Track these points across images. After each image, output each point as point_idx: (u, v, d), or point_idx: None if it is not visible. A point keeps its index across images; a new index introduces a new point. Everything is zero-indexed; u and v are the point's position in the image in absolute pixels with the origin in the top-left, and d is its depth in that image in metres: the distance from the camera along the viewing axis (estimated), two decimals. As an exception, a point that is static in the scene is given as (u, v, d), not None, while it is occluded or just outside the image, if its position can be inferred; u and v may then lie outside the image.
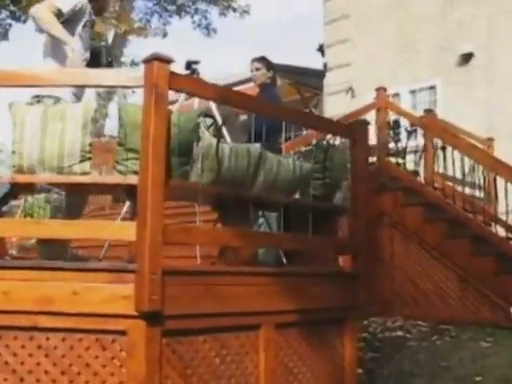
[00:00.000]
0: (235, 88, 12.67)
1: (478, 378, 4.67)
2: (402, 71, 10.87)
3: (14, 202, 7.56)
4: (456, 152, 7.16)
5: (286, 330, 3.70)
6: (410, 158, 8.94)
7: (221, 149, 3.36)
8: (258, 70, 5.25)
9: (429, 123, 7.60)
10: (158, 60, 2.99)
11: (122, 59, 15.80)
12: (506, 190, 6.50)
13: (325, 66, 13.02)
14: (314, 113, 12.58)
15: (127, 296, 2.96)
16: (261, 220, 4.83)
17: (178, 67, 4.87)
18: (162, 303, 2.97)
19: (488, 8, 9.85)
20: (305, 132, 8.27)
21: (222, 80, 12.78)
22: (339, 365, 4.04)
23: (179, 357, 3.15)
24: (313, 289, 3.84)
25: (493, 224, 6.76)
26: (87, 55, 4.02)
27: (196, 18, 20.14)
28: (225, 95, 3.26)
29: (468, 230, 6.58)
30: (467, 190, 7.46)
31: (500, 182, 6.66)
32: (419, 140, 8.23)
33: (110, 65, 3.91)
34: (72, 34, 3.94)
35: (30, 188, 3.32)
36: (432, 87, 10.46)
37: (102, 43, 13.59)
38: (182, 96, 4.80)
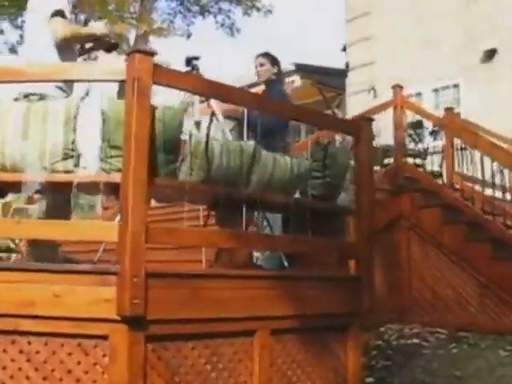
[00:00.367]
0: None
1: (493, 389, 4.45)
2: (425, 69, 10.62)
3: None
4: (477, 152, 6.91)
5: (284, 337, 3.54)
6: (434, 158, 8.72)
7: (211, 146, 3.21)
8: (262, 65, 5.06)
9: (448, 122, 7.35)
10: (141, 53, 2.87)
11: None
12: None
13: (347, 65, 12.84)
14: (337, 113, 12.37)
15: (109, 299, 2.84)
16: (266, 221, 4.69)
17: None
18: (144, 307, 2.84)
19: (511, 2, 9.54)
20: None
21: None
22: (341, 374, 3.86)
23: (166, 363, 3.02)
24: (313, 293, 3.67)
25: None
26: None
27: (219, 17, 20.05)
28: (215, 90, 3.12)
29: (488, 233, 6.32)
30: (490, 192, 7.19)
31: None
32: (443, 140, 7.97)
33: None
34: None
35: (15, 187, 3.22)
36: (455, 85, 10.19)
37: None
38: (197, 98, 4.66)
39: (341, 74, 12.97)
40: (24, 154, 2.99)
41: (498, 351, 5.20)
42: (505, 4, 9.59)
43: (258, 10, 19.67)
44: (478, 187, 7.35)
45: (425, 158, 8.64)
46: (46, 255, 3.49)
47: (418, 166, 7.96)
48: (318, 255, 4.07)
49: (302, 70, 12.96)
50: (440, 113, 8.50)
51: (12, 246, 6.26)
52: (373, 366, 5.24)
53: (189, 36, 19.67)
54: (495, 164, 6.78)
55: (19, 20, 16.88)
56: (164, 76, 2.97)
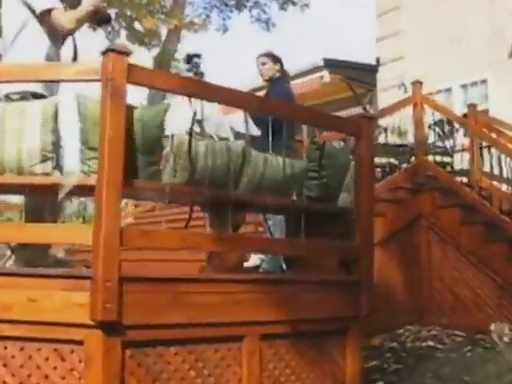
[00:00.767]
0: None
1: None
2: (453, 65, 10.33)
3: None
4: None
5: (276, 342, 3.43)
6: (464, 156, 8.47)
7: (194, 146, 3.12)
8: (263, 64, 4.97)
9: (471, 120, 7.11)
10: (115, 52, 2.80)
11: (176, 55, 15.62)
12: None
13: (377, 60, 12.61)
14: (368, 109, 12.12)
15: (84, 304, 2.79)
16: (269, 222, 4.59)
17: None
18: (119, 312, 2.78)
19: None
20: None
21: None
22: (340, 379, 3.73)
23: (146, 369, 2.95)
24: (308, 297, 3.55)
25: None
26: None
27: (254, 11, 19.74)
28: (193, 89, 3.03)
29: (505, 234, 6.09)
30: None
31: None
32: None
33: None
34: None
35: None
36: (483, 81, 9.88)
37: None
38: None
39: (373, 70, 12.73)
40: (1, 155, 2.95)
41: (510, 356, 4.99)
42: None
43: (294, 3, 19.27)
44: (504, 186, 7.12)
45: (452, 156, 8.40)
46: (35, 257, 3.45)
47: (444, 164, 7.72)
48: (316, 258, 3.93)
49: (331, 65, 12.74)
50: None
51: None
52: (384, 369, 5.11)
53: (225, 31, 19.43)
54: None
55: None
56: (139, 76, 2.90)
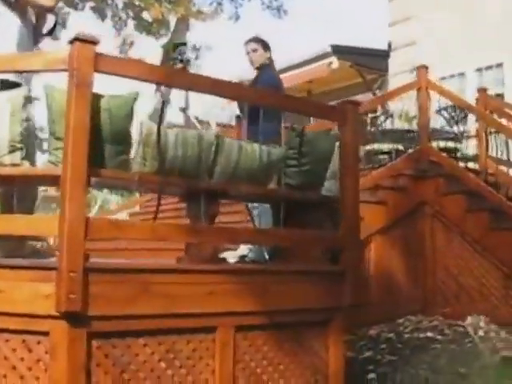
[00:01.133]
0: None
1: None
2: (467, 49, 10.10)
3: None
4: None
5: (252, 333, 3.40)
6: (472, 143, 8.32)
7: (164, 135, 3.08)
8: (254, 51, 4.84)
9: (480, 105, 6.94)
10: (81, 41, 2.76)
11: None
12: None
13: (389, 45, 12.42)
14: (377, 94, 11.96)
15: (49, 295, 2.77)
16: (255, 212, 4.54)
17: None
18: (84, 303, 2.76)
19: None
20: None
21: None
22: (321, 371, 3.69)
23: (114, 361, 2.93)
24: (286, 288, 3.50)
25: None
26: None
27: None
28: (160, 76, 2.98)
29: (511, 221, 5.93)
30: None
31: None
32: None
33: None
34: None
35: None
36: (499, 65, 9.63)
37: None
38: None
39: (383, 56, 12.54)
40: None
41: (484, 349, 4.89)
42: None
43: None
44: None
45: (460, 142, 8.24)
46: (12, 247, 3.45)
47: (449, 149, 7.57)
48: (299, 248, 3.87)
49: (339, 51, 12.55)
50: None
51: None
52: (378, 361, 5.04)
53: (237, 19, 19.30)
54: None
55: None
56: (106, 64, 2.86)
